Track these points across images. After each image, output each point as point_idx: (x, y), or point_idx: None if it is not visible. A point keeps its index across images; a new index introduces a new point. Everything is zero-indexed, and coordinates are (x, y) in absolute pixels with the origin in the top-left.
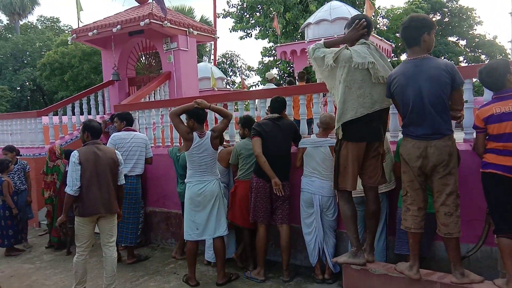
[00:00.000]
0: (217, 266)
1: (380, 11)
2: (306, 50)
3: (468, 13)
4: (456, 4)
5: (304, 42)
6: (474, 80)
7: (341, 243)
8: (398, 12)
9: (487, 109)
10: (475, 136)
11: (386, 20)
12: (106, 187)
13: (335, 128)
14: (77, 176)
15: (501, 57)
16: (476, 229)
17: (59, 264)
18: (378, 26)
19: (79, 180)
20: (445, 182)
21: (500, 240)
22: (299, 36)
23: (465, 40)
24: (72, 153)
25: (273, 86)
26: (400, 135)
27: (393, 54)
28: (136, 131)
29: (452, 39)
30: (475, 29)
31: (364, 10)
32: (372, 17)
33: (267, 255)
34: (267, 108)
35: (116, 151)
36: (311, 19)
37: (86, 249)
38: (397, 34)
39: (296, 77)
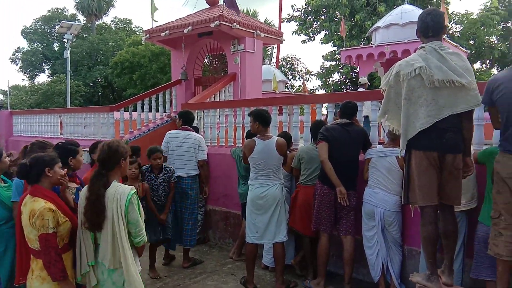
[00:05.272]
0: (275, 272)
1: (453, 16)
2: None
3: None
4: None
5: (371, 46)
6: None
7: (409, 261)
8: (473, 18)
9: None
10: None
11: (460, 26)
12: None
13: (401, 148)
14: None
15: None
16: None
17: None
18: (451, 32)
19: None
20: None
21: None
22: (365, 39)
23: None
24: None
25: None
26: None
27: None
28: (192, 131)
29: None
30: None
31: None
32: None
33: (328, 266)
34: (336, 113)
35: None
36: (380, 23)
37: None
38: (471, 42)
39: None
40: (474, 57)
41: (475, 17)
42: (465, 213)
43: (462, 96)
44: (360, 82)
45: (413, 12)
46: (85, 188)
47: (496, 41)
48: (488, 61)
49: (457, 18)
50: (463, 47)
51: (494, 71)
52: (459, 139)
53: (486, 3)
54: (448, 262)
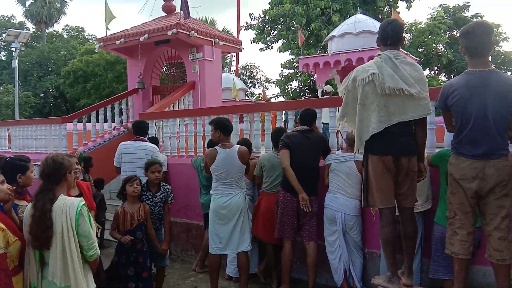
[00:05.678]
0: (240, 282)
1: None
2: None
3: (494, 29)
4: (481, 20)
5: (327, 54)
6: None
7: (370, 263)
8: (421, 27)
9: None
10: None
11: (409, 34)
12: None
13: (355, 150)
14: None
15: None
16: None
17: None
18: None
19: None
20: (501, 204)
21: None
22: (321, 48)
23: (489, 57)
24: None
25: None
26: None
27: None
28: (146, 141)
29: None
30: (501, 46)
31: None
32: None
33: (291, 273)
34: (296, 120)
35: None
36: (335, 32)
37: None
38: (420, 50)
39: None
40: (423, 64)
41: (423, 26)
42: (421, 214)
43: (411, 104)
44: (325, 90)
45: (365, 22)
46: (29, 206)
47: (443, 49)
48: (436, 68)
49: (406, 27)
50: (413, 55)
51: (442, 77)
52: (412, 143)
53: (433, 12)
54: (408, 263)
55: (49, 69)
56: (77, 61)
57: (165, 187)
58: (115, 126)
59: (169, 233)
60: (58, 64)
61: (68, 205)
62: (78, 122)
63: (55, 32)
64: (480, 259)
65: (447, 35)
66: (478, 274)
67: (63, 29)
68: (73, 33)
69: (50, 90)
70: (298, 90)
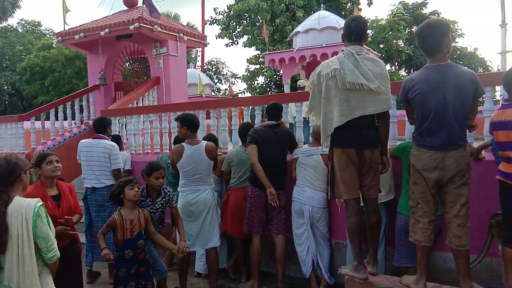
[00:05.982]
0: (209, 278)
1: None
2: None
3: (451, 25)
4: (439, 17)
5: (293, 50)
6: None
7: (337, 254)
8: (382, 24)
9: (493, 116)
10: None
11: (370, 31)
12: None
13: (321, 143)
14: None
15: (481, 69)
16: (476, 241)
17: None
18: None
19: None
20: (460, 193)
21: (505, 250)
22: (286, 43)
23: (447, 52)
24: None
25: None
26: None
27: None
28: (106, 138)
29: None
30: (457, 42)
31: None
32: None
33: (260, 267)
34: (263, 115)
35: None
36: (300, 27)
37: None
38: (381, 45)
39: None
40: (384, 60)
41: (384, 22)
42: (384, 204)
43: (371, 99)
44: (299, 85)
45: (329, 18)
46: None
47: (403, 45)
48: (396, 63)
49: (368, 24)
50: (374, 51)
51: (402, 72)
52: (374, 136)
53: (393, 9)
54: (373, 252)
55: (4, 65)
56: (33, 56)
57: (166, 190)
58: (75, 123)
59: (183, 233)
60: (13, 60)
61: (24, 207)
62: (36, 120)
63: (9, 27)
64: (441, 245)
65: (406, 32)
66: (439, 260)
67: (18, 23)
68: (29, 27)
69: (5, 87)
70: (264, 85)
